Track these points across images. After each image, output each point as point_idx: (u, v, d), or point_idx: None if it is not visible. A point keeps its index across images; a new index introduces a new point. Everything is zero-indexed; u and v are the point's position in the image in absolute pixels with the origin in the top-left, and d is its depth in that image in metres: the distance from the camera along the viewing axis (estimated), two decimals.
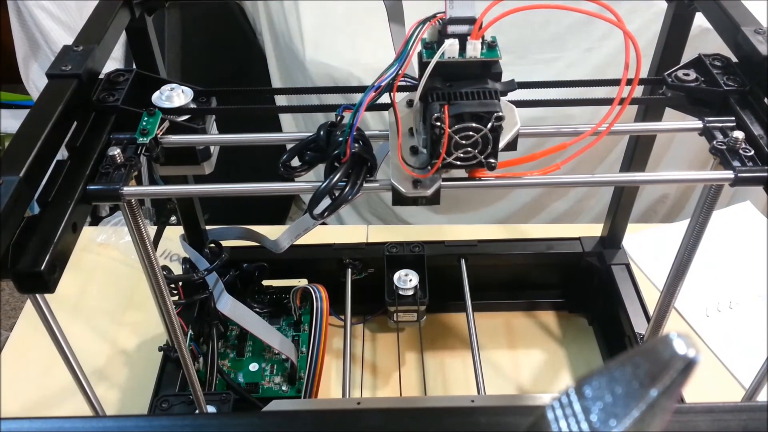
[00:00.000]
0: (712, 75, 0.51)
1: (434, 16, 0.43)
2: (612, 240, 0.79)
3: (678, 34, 0.59)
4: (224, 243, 0.75)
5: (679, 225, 0.93)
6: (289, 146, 0.46)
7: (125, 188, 0.43)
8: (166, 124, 0.48)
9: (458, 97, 0.41)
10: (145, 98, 0.50)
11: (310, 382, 0.70)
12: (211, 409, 0.63)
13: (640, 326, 0.71)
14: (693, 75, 0.51)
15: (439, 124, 0.40)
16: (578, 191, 1.43)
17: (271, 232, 0.72)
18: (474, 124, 0.41)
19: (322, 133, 0.45)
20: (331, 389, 0.76)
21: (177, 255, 0.89)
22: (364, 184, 0.44)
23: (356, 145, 0.43)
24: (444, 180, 0.44)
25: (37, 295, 0.41)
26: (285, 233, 0.67)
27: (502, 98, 0.43)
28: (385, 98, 0.45)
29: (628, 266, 0.78)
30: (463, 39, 0.42)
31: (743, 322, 0.81)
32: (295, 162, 0.46)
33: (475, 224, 1.41)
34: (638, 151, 0.68)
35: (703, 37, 0.81)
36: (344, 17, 1.44)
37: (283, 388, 0.72)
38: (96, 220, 1.01)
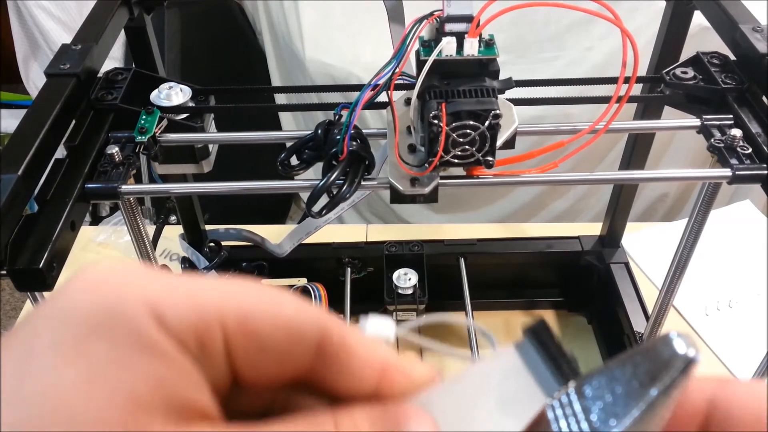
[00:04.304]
0: (710, 73, 0.51)
1: (432, 14, 0.43)
2: (611, 239, 0.79)
3: (676, 32, 0.59)
4: (224, 242, 0.75)
5: (678, 224, 0.93)
6: (288, 144, 0.46)
7: (123, 186, 0.43)
8: (165, 122, 0.49)
9: (456, 95, 0.41)
10: (144, 97, 0.50)
11: None
12: None
13: (639, 325, 0.71)
14: (691, 73, 0.51)
15: (436, 121, 0.40)
16: (578, 190, 1.43)
17: (270, 231, 0.72)
18: (471, 122, 0.41)
19: (319, 131, 0.45)
20: None
21: (176, 254, 0.89)
22: (362, 182, 0.44)
23: (354, 143, 0.43)
24: (442, 178, 0.44)
25: (36, 294, 0.41)
26: (287, 237, 0.67)
27: (500, 96, 0.43)
28: (383, 97, 0.45)
29: (627, 265, 0.78)
30: (460, 37, 0.42)
31: (743, 321, 0.81)
32: (294, 160, 0.46)
33: (475, 223, 1.41)
34: (637, 150, 0.68)
35: (702, 36, 0.81)
36: (344, 16, 1.44)
37: None
38: (96, 220, 1.01)
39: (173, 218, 0.73)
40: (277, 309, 0.19)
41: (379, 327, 0.22)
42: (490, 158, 0.42)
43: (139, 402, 0.16)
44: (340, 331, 0.19)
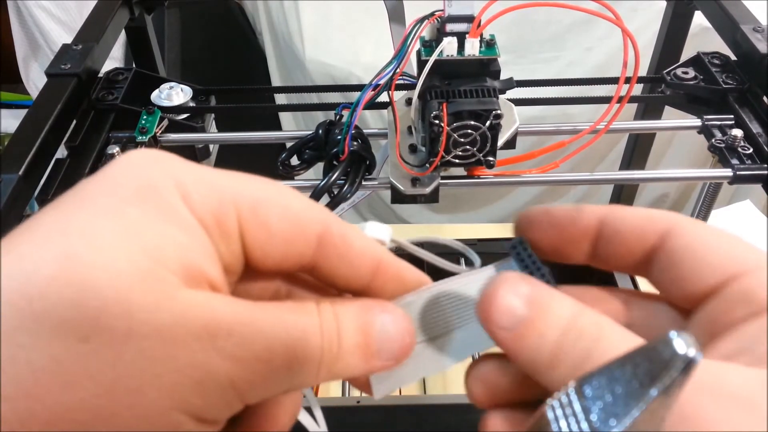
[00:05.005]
0: (711, 73, 0.51)
1: (433, 14, 0.43)
2: None
3: (677, 32, 0.59)
4: None
5: None
6: (288, 145, 0.47)
7: None
8: (165, 122, 0.49)
9: (457, 95, 0.41)
10: (145, 97, 0.50)
11: None
12: None
13: None
14: (692, 73, 0.51)
15: (437, 121, 0.40)
16: (578, 191, 1.43)
17: None
18: (472, 122, 0.41)
19: (320, 131, 0.45)
20: (330, 388, 0.76)
21: None
22: (363, 183, 0.44)
23: (354, 143, 0.43)
24: (443, 178, 0.44)
25: None
26: None
27: (501, 96, 0.43)
28: (384, 97, 0.45)
29: None
30: (461, 37, 0.42)
31: None
32: (295, 160, 0.46)
33: (475, 223, 1.41)
34: (637, 150, 0.68)
35: (703, 36, 0.81)
36: (344, 16, 1.44)
37: None
38: None
39: None
40: (286, 202, 0.21)
41: (376, 230, 0.25)
42: (491, 158, 0.42)
43: (161, 259, 0.18)
44: (341, 226, 0.22)
